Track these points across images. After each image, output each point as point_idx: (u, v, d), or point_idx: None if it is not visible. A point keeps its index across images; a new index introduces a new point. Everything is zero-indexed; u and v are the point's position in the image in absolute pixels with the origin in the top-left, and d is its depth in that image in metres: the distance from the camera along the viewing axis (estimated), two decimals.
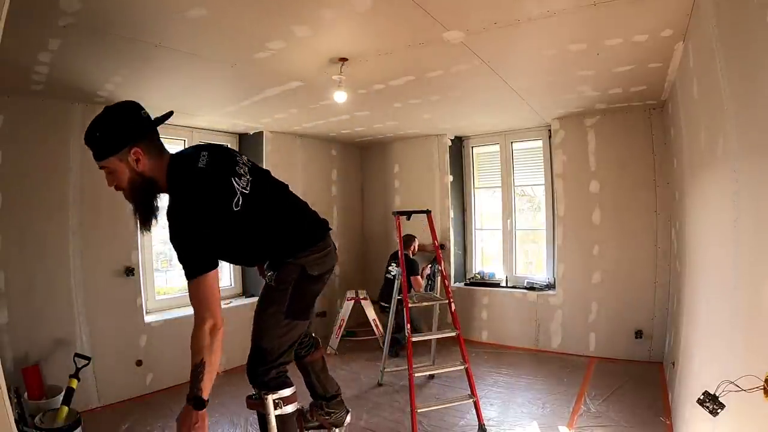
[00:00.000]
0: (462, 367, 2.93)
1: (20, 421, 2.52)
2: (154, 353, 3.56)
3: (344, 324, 4.60)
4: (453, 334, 3.02)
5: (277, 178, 1.87)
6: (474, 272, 5.22)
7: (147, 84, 2.95)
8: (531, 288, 4.58)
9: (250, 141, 4.66)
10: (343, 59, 2.58)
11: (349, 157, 5.81)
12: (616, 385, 3.43)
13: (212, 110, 3.76)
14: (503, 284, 4.89)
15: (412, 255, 4.69)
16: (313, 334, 2.20)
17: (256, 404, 1.75)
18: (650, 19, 2.15)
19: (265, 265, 1.83)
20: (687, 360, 2.38)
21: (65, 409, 2.65)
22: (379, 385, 3.70)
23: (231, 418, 3.14)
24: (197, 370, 1.42)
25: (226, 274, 4.70)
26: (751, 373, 1.10)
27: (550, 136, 4.56)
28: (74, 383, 2.75)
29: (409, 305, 3.08)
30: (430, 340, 3.79)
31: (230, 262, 2.00)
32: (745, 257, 1.36)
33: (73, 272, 3.18)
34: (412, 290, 4.22)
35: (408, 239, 4.64)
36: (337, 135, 5.10)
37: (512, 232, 5.00)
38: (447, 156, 5.10)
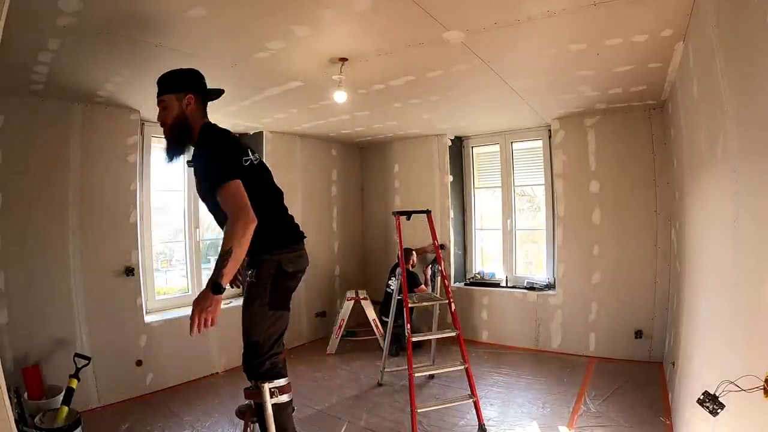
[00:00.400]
0: (462, 367, 2.93)
1: (20, 421, 2.53)
2: (154, 353, 3.56)
3: (344, 324, 4.60)
4: (453, 334, 3.02)
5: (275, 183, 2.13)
6: (474, 272, 5.22)
7: (147, 84, 2.93)
8: (531, 288, 4.57)
9: (250, 141, 4.66)
10: (343, 59, 2.58)
11: (349, 157, 5.81)
12: (616, 385, 3.43)
13: (212, 110, 3.68)
14: (503, 284, 4.89)
15: (411, 268, 4.71)
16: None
17: (253, 394, 1.89)
18: (650, 19, 2.15)
19: (246, 266, 1.99)
20: (687, 360, 2.38)
21: (65, 409, 2.65)
22: (379, 385, 3.70)
23: (231, 418, 3.13)
24: (224, 257, 1.62)
25: None
26: (751, 372, 1.10)
27: (550, 136, 4.56)
28: (74, 383, 2.75)
29: (410, 305, 3.08)
30: (430, 340, 3.79)
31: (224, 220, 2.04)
32: (745, 257, 1.36)
33: (73, 272, 3.18)
34: (413, 292, 4.22)
35: (407, 253, 4.66)
36: (337, 135, 5.10)
37: (512, 232, 5.00)
38: (447, 156, 5.10)
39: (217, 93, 2.07)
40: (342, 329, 4.60)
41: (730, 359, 1.41)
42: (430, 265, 4.69)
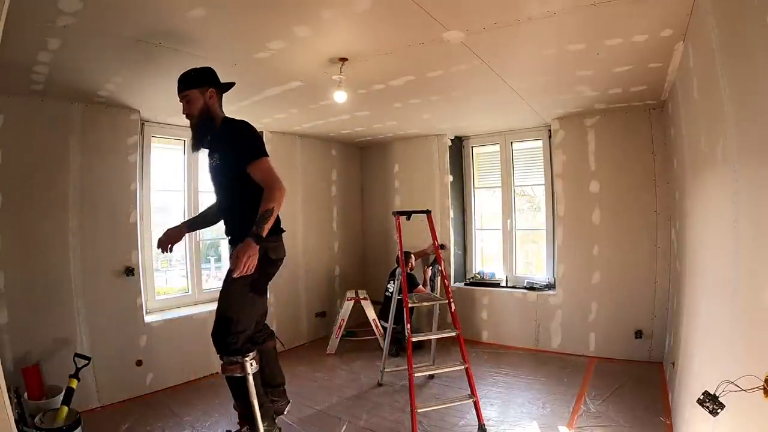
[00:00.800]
0: (462, 367, 2.93)
1: (20, 421, 2.53)
2: (154, 353, 3.56)
3: (344, 324, 4.60)
4: (453, 334, 3.02)
5: None
6: (474, 272, 5.22)
7: (147, 84, 2.95)
8: (531, 288, 4.58)
9: None
10: (343, 59, 2.58)
11: (349, 157, 5.81)
12: (616, 385, 3.43)
13: None
14: (503, 284, 4.89)
15: (410, 270, 4.71)
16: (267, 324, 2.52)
17: (234, 368, 2.04)
18: (650, 19, 2.15)
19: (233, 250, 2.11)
20: (687, 360, 2.38)
21: (65, 409, 2.65)
22: (379, 385, 3.70)
23: (231, 418, 3.13)
24: (267, 213, 1.97)
25: None
26: (751, 373, 1.10)
27: (550, 136, 4.56)
28: (74, 383, 2.75)
29: (410, 305, 3.08)
30: (430, 340, 3.80)
31: (228, 202, 2.28)
32: (745, 257, 1.36)
33: (73, 272, 3.18)
34: (413, 293, 4.22)
35: (406, 256, 4.66)
36: (337, 135, 5.10)
37: (512, 232, 5.00)
38: (447, 156, 5.10)
39: (230, 85, 2.31)
40: (342, 329, 4.60)
41: (730, 359, 1.41)
42: (431, 267, 4.69)
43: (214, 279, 4.76)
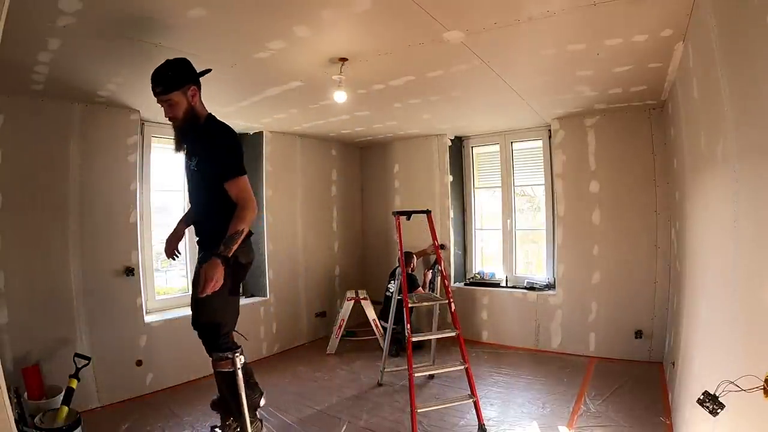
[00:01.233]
0: (462, 367, 2.93)
1: (20, 421, 2.53)
2: (154, 353, 3.56)
3: (344, 324, 4.60)
4: (453, 334, 3.02)
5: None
6: (474, 272, 5.22)
7: (147, 84, 2.90)
8: (531, 288, 4.58)
9: (250, 141, 4.66)
10: (343, 59, 2.58)
11: (349, 157, 5.81)
12: (616, 385, 3.43)
13: (212, 110, 3.74)
14: (503, 284, 4.89)
15: (411, 272, 4.71)
16: None
17: (225, 363, 2.13)
18: (650, 19, 2.15)
19: (200, 258, 2.18)
20: (687, 360, 2.38)
21: (65, 409, 2.65)
22: (379, 385, 3.70)
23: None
24: (237, 235, 1.98)
25: None
26: (750, 373, 1.10)
27: (550, 136, 4.56)
28: (74, 383, 2.75)
29: (410, 305, 3.08)
30: (430, 340, 3.80)
31: (201, 211, 2.28)
32: (745, 257, 1.36)
33: (73, 272, 3.17)
34: (413, 293, 4.23)
35: (408, 257, 4.67)
36: (337, 135, 5.10)
37: (512, 232, 5.00)
38: (447, 156, 5.10)
39: (207, 72, 2.19)
40: (342, 329, 4.61)
41: (730, 359, 1.41)
42: (431, 270, 4.70)
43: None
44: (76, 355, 2.93)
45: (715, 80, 1.62)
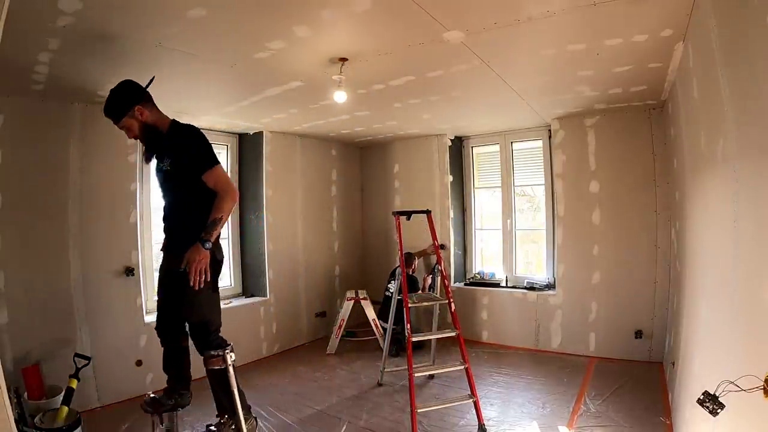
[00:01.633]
0: (462, 367, 2.93)
1: (20, 421, 2.52)
2: (154, 353, 3.53)
3: (344, 324, 4.60)
4: (453, 334, 3.02)
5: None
6: (474, 272, 5.22)
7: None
8: (531, 288, 4.58)
9: (250, 141, 4.66)
10: (343, 59, 2.57)
11: (349, 157, 5.81)
12: (616, 385, 3.43)
13: (212, 110, 3.77)
14: (503, 284, 4.89)
15: (412, 273, 4.72)
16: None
17: (217, 360, 2.19)
18: (650, 19, 2.15)
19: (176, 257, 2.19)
20: (687, 360, 2.38)
21: (65, 409, 2.65)
22: (379, 385, 3.71)
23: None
24: (217, 221, 2.10)
25: (226, 273, 4.71)
26: (750, 373, 1.10)
27: (550, 136, 4.56)
28: (74, 383, 2.75)
29: (409, 305, 3.08)
30: (430, 340, 3.79)
31: (178, 207, 2.30)
32: (745, 257, 1.36)
33: (73, 272, 3.17)
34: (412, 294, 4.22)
35: (408, 257, 4.67)
36: (337, 135, 5.10)
37: (512, 232, 5.00)
38: (447, 156, 5.10)
39: (150, 82, 2.25)
40: (342, 329, 4.61)
41: (730, 359, 1.41)
42: (431, 275, 4.70)
43: None
44: (76, 355, 2.93)
45: (715, 80, 1.62)
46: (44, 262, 3.05)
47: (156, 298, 2.45)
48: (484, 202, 5.41)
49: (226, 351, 2.20)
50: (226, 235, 4.69)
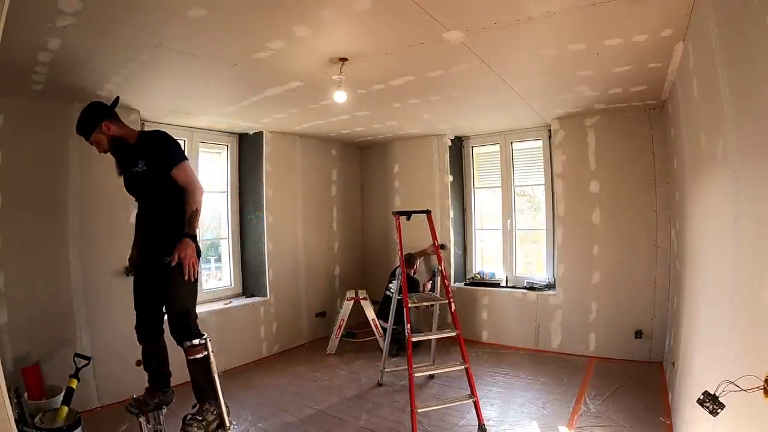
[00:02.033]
0: (462, 367, 2.93)
1: (20, 421, 2.53)
2: None
3: (344, 324, 4.60)
4: (453, 334, 3.02)
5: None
6: (474, 272, 5.22)
7: (147, 84, 2.95)
8: (531, 288, 4.58)
9: (250, 141, 4.66)
10: (343, 59, 2.57)
11: (349, 157, 5.81)
12: (616, 385, 3.43)
13: (212, 110, 3.77)
14: (503, 284, 4.89)
15: (413, 274, 4.71)
16: None
17: (200, 349, 2.25)
18: (650, 19, 2.15)
19: (154, 250, 2.31)
20: (687, 360, 2.38)
21: (65, 409, 2.65)
22: (379, 385, 3.71)
23: (231, 417, 3.13)
24: (194, 215, 2.27)
25: (226, 273, 4.71)
26: (751, 373, 1.10)
27: (550, 136, 4.56)
28: (74, 383, 2.75)
29: (409, 305, 3.08)
30: (430, 340, 3.79)
31: (156, 205, 2.40)
32: (745, 257, 1.36)
33: (73, 272, 3.17)
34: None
35: (410, 258, 4.67)
36: (337, 135, 5.10)
37: (512, 232, 5.00)
38: (447, 156, 5.10)
39: (116, 102, 2.41)
40: (342, 329, 4.61)
41: (730, 359, 1.41)
42: (431, 280, 4.70)
43: (214, 279, 4.76)
44: (76, 355, 2.92)
45: (715, 80, 1.62)
46: (44, 262, 3.05)
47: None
48: (484, 202, 5.41)
49: (208, 339, 2.30)
50: (226, 235, 4.69)
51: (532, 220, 5.15)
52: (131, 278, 3.42)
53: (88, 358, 2.95)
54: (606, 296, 4.13)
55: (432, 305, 3.96)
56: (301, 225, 5.06)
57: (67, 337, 3.11)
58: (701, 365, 1.95)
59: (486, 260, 5.40)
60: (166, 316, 2.37)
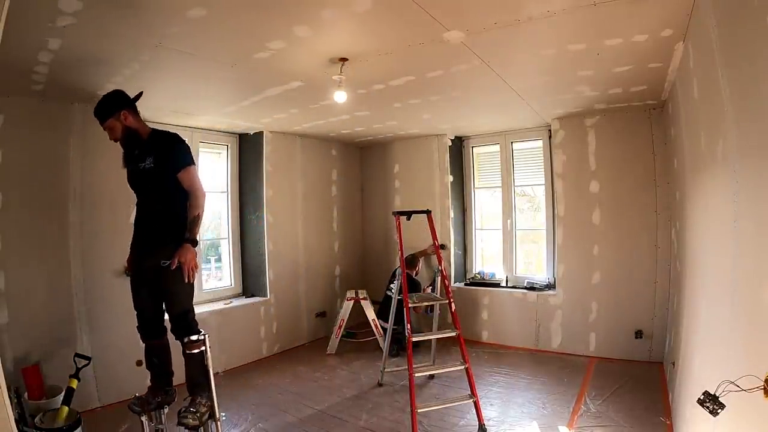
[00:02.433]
0: (462, 367, 2.93)
1: (20, 421, 2.53)
2: None
3: (344, 324, 4.60)
4: (453, 334, 3.02)
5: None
6: (474, 272, 5.22)
7: (147, 84, 2.94)
8: (531, 288, 4.57)
9: (250, 141, 4.66)
10: (343, 59, 2.58)
11: (349, 157, 5.81)
12: (617, 385, 3.43)
13: (212, 110, 3.77)
14: (503, 284, 4.89)
15: (415, 276, 4.71)
16: None
17: (198, 344, 2.33)
18: (650, 19, 2.15)
19: (154, 253, 2.33)
20: (687, 360, 2.38)
21: (65, 409, 2.65)
22: (379, 385, 3.70)
23: (231, 417, 3.14)
24: (196, 220, 2.30)
25: (226, 273, 4.71)
26: (751, 373, 1.10)
27: (550, 136, 4.56)
28: (74, 383, 2.75)
29: (410, 305, 3.08)
30: (430, 340, 3.79)
31: (159, 204, 2.41)
32: (745, 257, 1.36)
33: (73, 272, 3.17)
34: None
35: (412, 260, 4.67)
36: (337, 135, 5.10)
37: (512, 232, 5.00)
38: (447, 156, 5.10)
39: (138, 96, 2.44)
40: (342, 329, 4.60)
41: (730, 359, 1.41)
42: (431, 285, 4.70)
43: (214, 279, 4.76)
44: (76, 355, 2.93)
45: (715, 80, 1.62)
46: (44, 261, 3.05)
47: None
48: (484, 202, 5.41)
49: (206, 335, 2.37)
50: (226, 235, 4.69)
51: (532, 220, 5.15)
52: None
53: (88, 358, 2.95)
54: (606, 296, 4.13)
55: (432, 312, 3.98)
56: (302, 225, 5.06)
57: (68, 337, 3.11)
58: (701, 365, 1.95)
59: (486, 260, 5.40)
60: (166, 315, 2.40)
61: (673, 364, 2.94)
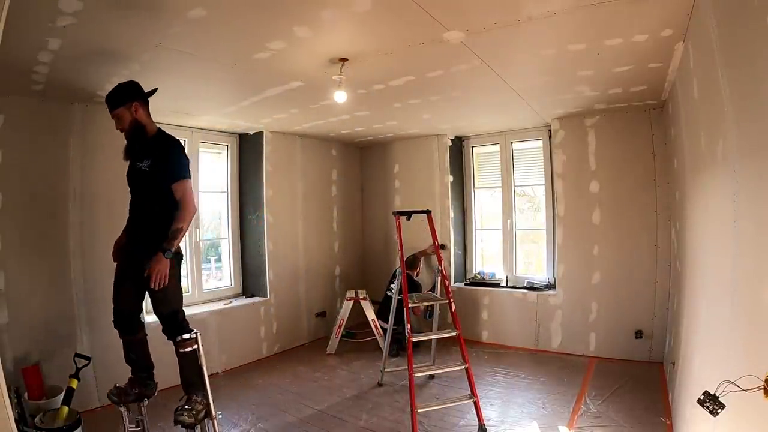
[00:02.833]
0: (462, 367, 2.93)
1: (20, 421, 2.53)
2: (154, 353, 3.51)
3: (344, 324, 4.60)
4: (453, 334, 3.02)
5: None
6: (474, 272, 5.22)
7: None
8: (531, 288, 4.57)
9: (250, 141, 4.66)
10: (343, 59, 2.58)
11: (349, 157, 5.81)
12: (617, 385, 3.43)
13: (212, 110, 3.76)
14: (503, 284, 4.89)
15: (416, 276, 4.70)
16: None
17: (191, 342, 2.37)
18: (650, 19, 2.15)
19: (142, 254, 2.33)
20: (687, 360, 2.38)
21: (65, 409, 2.64)
22: (379, 385, 3.71)
23: (231, 417, 3.14)
24: (178, 232, 2.28)
25: (226, 273, 4.71)
26: (751, 373, 1.10)
27: (550, 136, 4.56)
28: (74, 383, 2.75)
29: (410, 305, 3.08)
30: (430, 340, 3.79)
31: (148, 208, 2.43)
32: (745, 257, 1.36)
33: (74, 272, 3.17)
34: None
35: (413, 261, 4.66)
36: (337, 135, 5.10)
37: (512, 232, 5.00)
38: (447, 156, 5.10)
39: (153, 92, 2.46)
40: (342, 329, 4.60)
41: (730, 359, 1.41)
42: (431, 290, 4.69)
43: (214, 279, 4.76)
44: (76, 355, 2.92)
45: (715, 80, 1.62)
46: (44, 262, 3.05)
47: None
48: (484, 202, 5.41)
49: (197, 333, 2.40)
50: (227, 235, 4.69)
51: (532, 220, 5.15)
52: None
53: (88, 358, 2.95)
54: (606, 296, 4.13)
55: (432, 316, 3.98)
56: (302, 225, 5.06)
57: (68, 337, 3.11)
58: (701, 365, 1.95)
59: (486, 260, 5.40)
60: (144, 312, 2.45)
61: (673, 364, 2.94)
